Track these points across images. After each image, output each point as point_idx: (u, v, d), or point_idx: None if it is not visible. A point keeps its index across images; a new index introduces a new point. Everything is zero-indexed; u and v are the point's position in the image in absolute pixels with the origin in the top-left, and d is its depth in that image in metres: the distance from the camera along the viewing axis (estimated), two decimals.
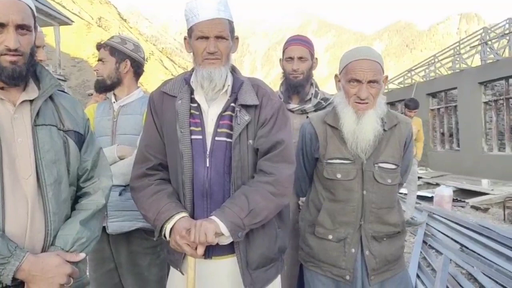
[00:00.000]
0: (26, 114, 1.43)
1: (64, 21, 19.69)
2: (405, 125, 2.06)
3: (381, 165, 1.96)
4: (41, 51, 2.39)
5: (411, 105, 6.94)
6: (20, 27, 1.38)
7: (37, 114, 1.45)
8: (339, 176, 1.97)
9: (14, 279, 1.29)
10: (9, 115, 1.40)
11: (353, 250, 1.96)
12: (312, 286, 2.06)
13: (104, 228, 2.26)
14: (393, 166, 1.99)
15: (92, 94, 3.04)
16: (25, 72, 1.41)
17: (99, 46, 2.46)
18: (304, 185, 2.23)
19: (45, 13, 17.60)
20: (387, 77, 2.02)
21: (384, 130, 1.96)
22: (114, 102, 2.45)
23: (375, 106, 1.93)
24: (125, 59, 2.43)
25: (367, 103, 1.90)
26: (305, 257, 2.11)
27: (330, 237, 1.99)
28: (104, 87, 2.43)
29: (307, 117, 2.54)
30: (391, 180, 1.98)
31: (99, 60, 2.43)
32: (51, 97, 1.53)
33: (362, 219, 1.96)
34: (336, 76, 2.07)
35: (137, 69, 2.49)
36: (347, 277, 1.95)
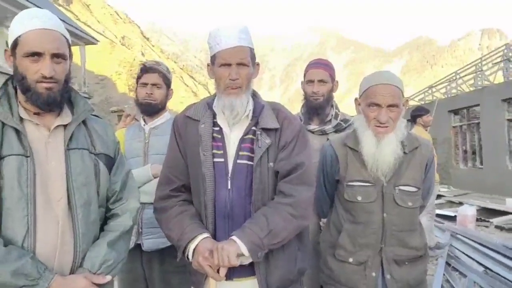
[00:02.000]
0: (60, 138, 1.51)
1: (89, 41, 20.30)
2: (426, 147, 2.07)
3: (402, 188, 1.97)
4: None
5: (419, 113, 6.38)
6: (56, 56, 1.46)
7: (70, 138, 1.51)
8: (359, 198, 1.98)
9: None
10: (43, 139, 1.47)
11: (373, 274, 1.95)
12: None
13: (138, 246, 2.33)
14: (414, 189, 2.00)
15: (115, 111, 3.15)
16: (59, 98, 1.48)
17: (150, 69, 2.53)
18: (325, 206, 2.25)
19: (72, 34, 18.14)
20: (407, 100, 2.04)
21: (405, 153, 1.98)
22: (144, 125, 2.55)
23: (395, 129, 1.95)
24: (170, 88, 2.61)
25: (387, 126, 1.92)
26: (326, 279, 2.11)
27: (351, 260, 1.99)
28: (156, 111, 2.54)
29: (328, 138, 2.58)
30: (412, 203, 1.98)
31: (153, 84, 2.51)
32: (84, 121, 1.61)
33: (382, 242, 1.96)
34: (356, 99, 2.10)
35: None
36: None
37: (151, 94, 2.50)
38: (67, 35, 1.55)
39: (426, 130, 6.40)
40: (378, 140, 1.93)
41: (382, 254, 1.97)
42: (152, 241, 2.32)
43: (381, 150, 1.92)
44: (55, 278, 1.36)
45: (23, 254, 1.35)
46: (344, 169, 2.05)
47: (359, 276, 1.97)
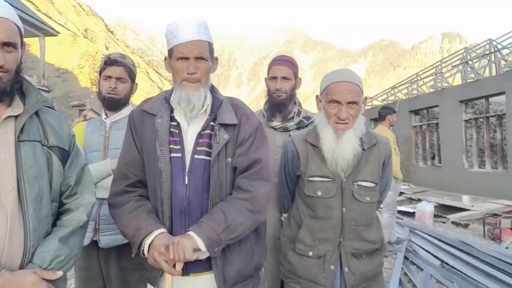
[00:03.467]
0: (10, 129, 1.44)
1: (50, 32, 19.58)
2: (384, 144, 2.13)
3: (360, 183, 2.02)
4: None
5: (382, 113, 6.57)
6: (6, 45, 1.40)
7: (21, 130, 1.45)
8: (319, 193, 2.01)
9: None
10: None
11: (332, 267, 1.99)
12: None
13: (94, 243, 2.27)
14: (372, 185, 2.04)
15: (76, 106, 3.04)
16: (9, 88, 1.42)
17: (114, 63, 2.43)
18: (287, 201, 2.28)
19: (30, 24, 17.47)
20: (366, 98, 2.09)
21: (363, 149, 2.02)
22: (105, 118, 2.47)
23: (355, 126, 1.99)
24: (136, 83, 2.53)
25: (346, 123, 1.96)
26: (286, 273, 2.13)
27: (310, 253, 2.02)
28: (118, 106, 2.46)
29: (290, 135, 2.59)
30: (369, 198, 2.03)
31: (117, 78, 2.42)
32: (37, 113, 1.54)
33: (341, 236, 2.00)
34: (317, 96, 2.13)
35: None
36: None
37: (115, 88, 2.42)
38: (20, 24, 1.49)
39: (389, 129, 6.56)
40: (337, 136, 1.97)
41: (340, 248, 2.01)
42: (109, 238, 2.26)
43: (341, 146, 1.96)
44: (2, 273, 1.31)
45: None
46: (305, 165, 2.07)
47: (318, 269, 2.01)
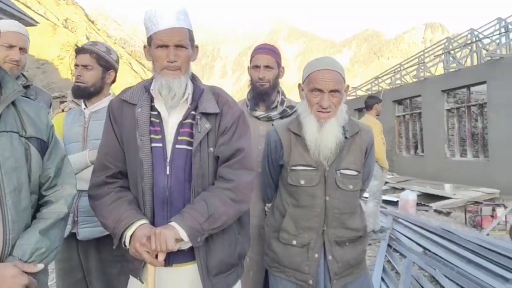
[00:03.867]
0: None
1: (28, 22, 19.06)
2: (366, 132, 2.13)
3: (343, 171, 2.02)
4: (22, 54, 2.35)
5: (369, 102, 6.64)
6: None
7: None
8: (302, 182, 2.01)
9: None
10: None
11: (316, 255, 2.00)
12: None
13: (73, 235, 2.23)
14: (355, 173, 2.05)
15: (57, 97, 2.97)
16: None
17: (80, 50, 2.39)
18: (270, 191, 2.27)
19: (8, 14, 17.03)
20: (348, 86, 2.08)
21: (346, 137, 2.02)
22: (84, 108, 2.41)
23: (337, 114, 1.99)
24: (110, 70, 2.44)
25: (329, 111, 1.96)
26: (270, 262, 2.14)
27: (294, 242, 2.02)
28: (86, 95, 2.39)
29: (273, 124, 2.57)
30: (352, 186, 2.04)
31: (83, 66, 2.36)
32: (14, 103, 1.49)
33: (325, 225, 2.01)
34: (299, 85, 2.12)
35: (115, 78, 2.50)
36: (310, 282, 1.99)
37: (79, 76, 2.36)
38: None
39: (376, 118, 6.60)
40: (320, 125, 1.97)
41: (324, 236, 2.01)
42: (88, 230, 2.22)
43: (323, 135, 1.95)
44: None
45: None
46: (288, 154, 2.07)
47: (302, 258, 2.01)
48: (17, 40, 2.39)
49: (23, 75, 2.57)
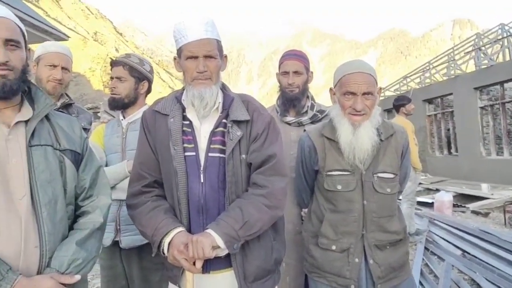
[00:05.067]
0: (21, 135, 1.43)
1: (60, 37, 19.69)
2: (401, 134, 2.10)
3: (380, 175, 2.00)
4: (65, 73, 2.46)
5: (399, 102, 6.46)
6: (9, 43, 1.40)
7: (32, 134, 1.45)
8: (339, 187, 2.00)
9: None
10: (3, 136, 1.40)
11: (356, 259, 1.98)
12: None
13: (117, 243, 2.29)
14: (392, 176, 2.02)
15: (90, 109, 3.06)
16: (16, 87, 1.41)
17: (114, 63, 2.47)
18: (306, 196, 2.27)
19: (41, 30, 17.66)
20: (381, 88, 2.06)
21: (381, 140, 2.00)
22: (122, 119, 2.48)
23: (371, 117, 1.97)
24: (143, 80, 2.50)
25: (362, 114, 1.94)
26: (310, 268, 2.12)
27: (334, 247, 2.01)
28: (121, 106, 2.46)
29: (304, 129, 2.57)
30: (390, 189, 2.01)
31: (117, 78, 2.43)
32: (47, 117, 1.54)
33: (364, 229, 1.99)
34: (331, 89, 2.11)
35: (150, 88, 2.56)
36: (352, 287, 1.97)
37: (114, 88, 2.43)
38: (21, 25, 1.49)
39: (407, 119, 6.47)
40: (354, 128, 1.95)
41: (364, 240, 1.99)
42: (130, 238, 2.27)
43: (358, 137, 1.94)
44: (18, 279, 1.29)
45: None
46: (323, 159, 2.06)
47: (342, 263, 1.99)
48: (60, 60, 2.49)
49: (67, 95, 2.66)
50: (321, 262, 2.04)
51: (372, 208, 1.98)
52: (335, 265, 2.00)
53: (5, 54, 1.38)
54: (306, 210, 2.33)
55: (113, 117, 2.62)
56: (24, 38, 1.49)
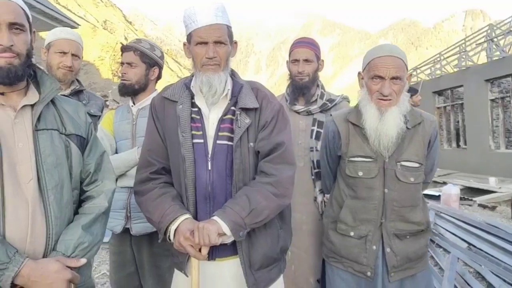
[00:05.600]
0: (27, 119, 1.44)
1: (69, 25, 19.71)
2: (430, 123, 2.04)
3: (403, 163, 1.96)
4: (75, 60, 2.45)
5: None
6: (13, 26, 1.39)
7: (38, 118, 1.45)
8: (360, 174, 1.98)
9: (13, 285, 1.28)
10: (9, 120, 1.40)
11: (374, 247, 1.97)
12: (333, 281, 2.09)
13: (127, 230, 2.31)
14: (417, 165, 1.98)
15: (106, 96, 3.05)
16: (21, 72, 1.41)
17: (125, 48, 2.45)
18: (329, 182, 2.26)
19: (50, 17, 17.71)
20: (411, 74, 2.00)
21: (408, 128, 1.95)
22: (132, 105, 2.47)
23: (398, 103, 1.92)
24: (154, 66, 2.48)
25: (390, 99, 1.89)
26: (328, 253, 2.13)
27: (352, 233, 2.01)
28: (132, 92, 2.44)
29: (313, 118, 2.57)
30: (414, 178, 1.97)
31: (127, 63, 2.41)
32: (53, 102, 1.54)
33: (383, 217, 1.97)
34: (359, 73, 2.07)
35: (160, 74, 2.54)
36: (368, 273, 1.97)
37: (124, 73, 2.41)
38: (25, 8, 1.48)
39: None
40: (380, 113, 1.90)
41: (382, 229, 1.97)
42: (141, 225, 2.28)
43: (384, 123, 1.89)
44: (25, 262, 1.31)
45: None
46: (346, 144, 2.04)
47: (359, 249, 1.99)
48: (70, 46, 2.48)
49: (78, 81, 2.66)
50: (338, 248, 2.05)
51: (393, 197, 1.95)
52: (352, 251, 2.00)
53: (10, 38, 1.37)
54: (328, 196, 2.33)
55: (119, 104, 2.62)
56: (29, 21, 1.48)
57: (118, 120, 2.47)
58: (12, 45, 1.37)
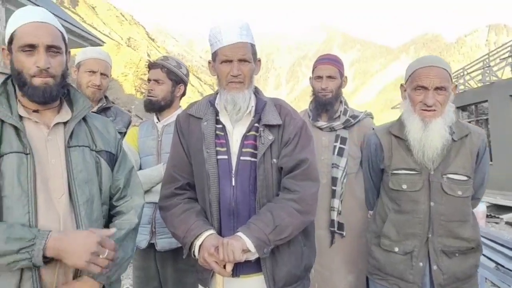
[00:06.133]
0: (60, 136, 1.48)
1: (95, 42, 20.31)
2: (478, 135, 1.97)
3: (450, 176, 1.90)
4: (104, 79, 2.54)
5: None
6: (51, 49, 1.44)
7: (70, 135, 1.49)
8: (404, 186, 1.94)
9: (45, 258, 1.30)
10: (43, 137, 1.45)
11: (420, 264, 1.91)
12: None
13: (151, 245, 2.32)
14: (464, 178, 1.91)
15: (129, 112, 3.09)
16: (55, 92, 1.46)
17: (152, 65, 2.50)
18: (372, 196, 2.23)
19: (77, 35, 18.26)
20: (456, 86, 1.95)
21: (454, 140, 1.91)
22: (157, 122, 2.50)
23: (443, 114, 1.88)
24: (180, 83, 2.52)
25: (434, 110, 1.86)
26: (371, 270, 2.08)
27: (396, 249, 1.96)
28: (158, 108, 2.47)
29: (336, 134, 2.56)
30: (462, 192, 1.90)
31: (154, 80, 2.45)
32: (84, 119, 1.58)
33: (430, 232, 1.91)
34: (401, 85, 2.04)
35: (185, 91, 2.58)
36: None
37: (151, 90, 2.45)
38: (62, 30, 1.54)
39: None
40: (424, 124, 1.86)
41: (429, 244, 1.91)
42: (165, 241, 2.29)
43: (428, 134, 1.85)
44: (51, 234, 1.33)
45: (11, 224, 1.33)
46: (389, 157, 2.01)
47: (405, 266, 1.93)
48: (99, 66, 2.56)
49: (106, 97, 2.73)
50: (383, 264, 1.99)
51: (440, 211, 1.89)
52: (397, 267, 1.94)
53: (47, 61, 1.42)
54: (371, 212, 2.29)
55: (142, 119, 2.66)
56: (65, 42, 1.54)
57: (143, 136, 2.49)
58: (48, 68, 1.42)
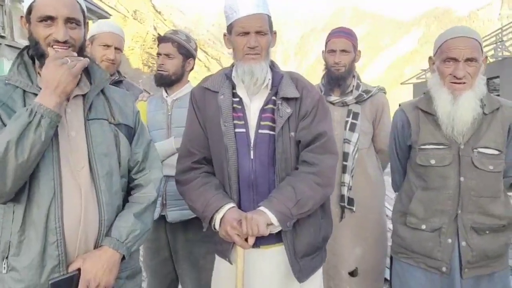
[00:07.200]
0: (79, 108, 1.49)
1: (102, 15, 20.15)
2: (510, 109, 1.91)
3: (481, 150, 1.84)
4: (117, 53, 2.54)
5: None
6: (69, 21, 1.43)
7: (90, 108, 1.50)
8: (433, 162, 1.88)
9: None
10: (62, 109, 1.44)
11: (449, 240, 1.86)
12: (403, 278, 2.00)
13: (162, 217, 2.36)
14: (496, 152, 1.84)
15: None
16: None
17: (162, 40, 2.48)
18: (399, 177, 2.17)
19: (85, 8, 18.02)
20: (487, 57, 1.90)
21: (485, 113, 1.85)
22: (166, 96, 2.51)
23: (474, 86, 1.82)
24: (190, 58, 2.51)
25: (464, 82, 1.79)
26: (396, 248, 2.04)
27: (424, 227, 1.91)
28: (168, 83, 2.47)
29: (349, 109, 2.54)
30: (493, 166, 1.83)
31: (165, 54, 2.44)
32: (102, 91, 1.59)
33: (459, 208, 1.85)
34: (430, 58, 1.99)
35: (193, 65, 2.57)
36: (444, 269, 1.87)
37: (162, 64, 2.44)
38: (82, 3, 1.52)
39: None
40: (454, 97, 1.81)
41: (458, 221, 1.86)
42: (176, 213, 2.33)
43: (458, 108, 1.79)
44: (78, 260, 1.43)
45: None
46: (416, 132, 1.95)
47: (433, 243, 1.89)
48: (113, 40, 2.55)
49: (118, 72, 2.74)
50: (409, 242, 1.95)
51: (471, 186, 1.83)
52: (425, 245, 1.90)
53: (66, 33, 1.42)
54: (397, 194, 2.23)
55: (149, 94, 2.67)
56: (83, 14, 1.52)
57: (152, 110, 2.50)
58: (67, 40, 1.42)
